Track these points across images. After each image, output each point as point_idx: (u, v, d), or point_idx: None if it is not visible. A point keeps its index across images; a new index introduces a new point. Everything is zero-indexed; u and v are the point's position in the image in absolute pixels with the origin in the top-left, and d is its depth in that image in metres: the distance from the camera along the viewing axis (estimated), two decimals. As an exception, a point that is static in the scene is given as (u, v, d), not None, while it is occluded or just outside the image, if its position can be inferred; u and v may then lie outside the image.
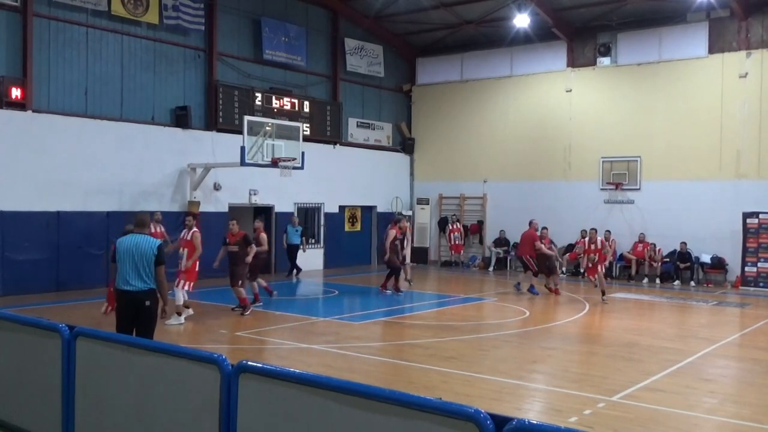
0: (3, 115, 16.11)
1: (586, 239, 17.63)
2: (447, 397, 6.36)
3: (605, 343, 11.97)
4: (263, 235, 15.51)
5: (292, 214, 21.74)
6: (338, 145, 24.34)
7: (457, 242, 24.80)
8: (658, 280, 20.95)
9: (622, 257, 21.86)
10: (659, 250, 21.32)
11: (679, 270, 20.62)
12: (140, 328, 7.83)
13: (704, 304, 16.93)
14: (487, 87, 25.26)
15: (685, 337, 12.86)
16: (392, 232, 17.02)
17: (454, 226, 24.83)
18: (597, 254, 16.99)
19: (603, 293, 16.76)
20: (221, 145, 19.98)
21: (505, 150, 24.78)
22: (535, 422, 3.50)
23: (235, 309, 14.23)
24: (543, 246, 17.45)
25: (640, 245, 21.40)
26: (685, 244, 20.54)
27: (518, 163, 24.45)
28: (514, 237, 24.27)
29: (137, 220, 8.81)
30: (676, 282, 20.53)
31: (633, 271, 21.42)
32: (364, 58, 25.21)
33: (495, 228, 24.88)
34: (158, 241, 8.12)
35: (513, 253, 24.36)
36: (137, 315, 7.88)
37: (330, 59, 24.35)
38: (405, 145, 27.00)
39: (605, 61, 22.96)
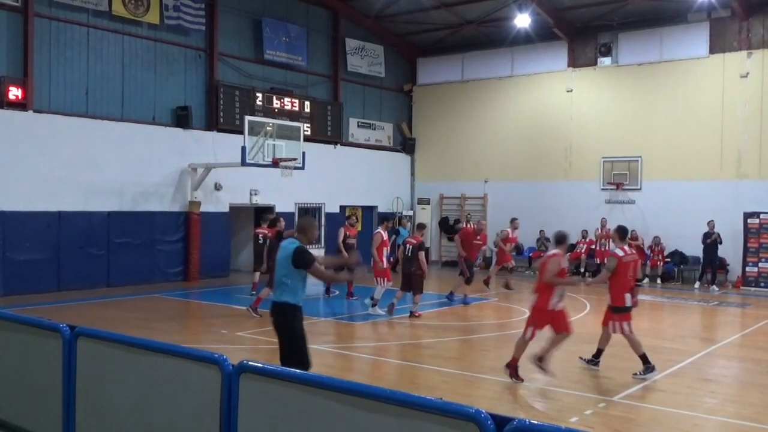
0: (4, 115, 16.12)
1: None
2: (448, 397, 6.35)
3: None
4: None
5: (403, 215, 22.21)
6: (339, 145, 24.34)
7: None
8: (659, 280, 20.93)
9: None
10: (661, 243, 21.21)
11: (713, 269, 19.84)
12: (281, 345, 7.15)
13: (705, 305, 16.92)
14: (488, 87, 25.26)
15: (685, 337, 12.85)
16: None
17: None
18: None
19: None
20: (222, 145, 19.98)
21: (505, 150, 24.78)
22: (535, 422, 3.50)
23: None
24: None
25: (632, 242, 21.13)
26: (713, 222, 19.74)
27: (519, 163, 24.45)
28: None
29: (298, 226, 7.69)
30: (696, 285, 19.98)
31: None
32: (364, 58, 25.21)
33: (496, 228, 24.83)
34: (295, 246, 7.02)
35: (514, 253, 24.34)
36: (277, 330, 7.15)
37: (331, 59, 24.35)
38: (406, 145, 27.00)
39: (606, 61, 22.96)
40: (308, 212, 23.26)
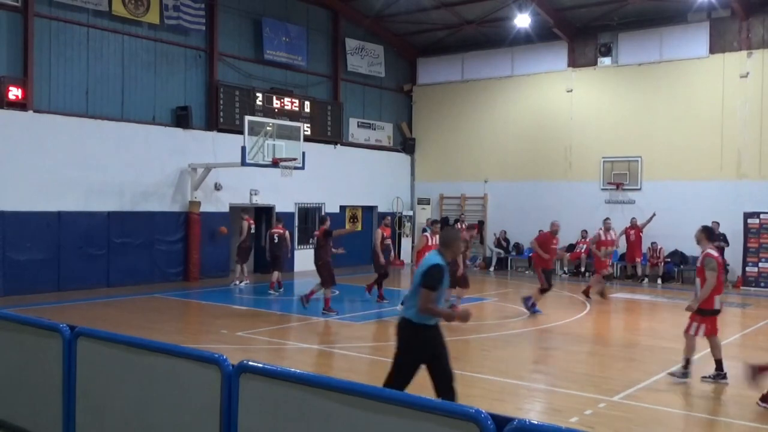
0: (3, 115, 16.12)
1: (601, 230, 17.15)
2: (448, 397, 6.35)
3: (606, 343, 11.97)
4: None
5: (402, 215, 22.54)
6: (339, 145, 24.34)
7: None
8: (659, 280, 20.91)
9: (623, 257, 21.82)
10: (660, 248, 21.25)
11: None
12: (395, 360, 6.46)
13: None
14: (488, 87, 25.25)
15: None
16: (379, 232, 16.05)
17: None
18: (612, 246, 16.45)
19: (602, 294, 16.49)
20: (222, 145, 19.99)
21: (505, 150, 24.78)
22: (536, 422, 3.50)
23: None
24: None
25: (632, 231, 21.04)
26: (717, 224, 19.35)
27: (519, 163, 24.45)
28: (515, 237, 24.28)
29: (441, 240, 6.81)
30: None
31: (638, 271, 21.26)
32: (364, 58, 25.22)
33: (496, 228, 24.88)
34: (431, 264, 6.32)
35: (513, 253, 24.38)
36: (397, 345, 6.47)
37: (331, 59, 24.35)
38: (406, 145, 27.00)
39: (606, 61, 22.95)
40: (308, 212, 23.29)
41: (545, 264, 14.95)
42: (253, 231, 19.25)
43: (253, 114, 20.23)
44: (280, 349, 11.41)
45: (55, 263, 16.78)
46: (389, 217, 18.00)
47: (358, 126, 25.41)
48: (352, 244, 24.82)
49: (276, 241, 17.37)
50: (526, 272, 23.17)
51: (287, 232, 17.71)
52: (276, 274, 17.29)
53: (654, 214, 20.57)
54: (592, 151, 22.97)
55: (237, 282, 18.41)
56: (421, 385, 8.92)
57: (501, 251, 24.45)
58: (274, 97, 21.96)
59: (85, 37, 17.79)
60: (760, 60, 20.34)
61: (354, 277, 20.97)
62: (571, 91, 23.51)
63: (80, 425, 5.72)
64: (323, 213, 21.94)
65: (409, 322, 6.27)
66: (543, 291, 14.81)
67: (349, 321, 13.85)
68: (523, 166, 24.34)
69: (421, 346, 6.27)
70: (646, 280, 21.11)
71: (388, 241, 16.39)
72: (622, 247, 21.78)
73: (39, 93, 16.86)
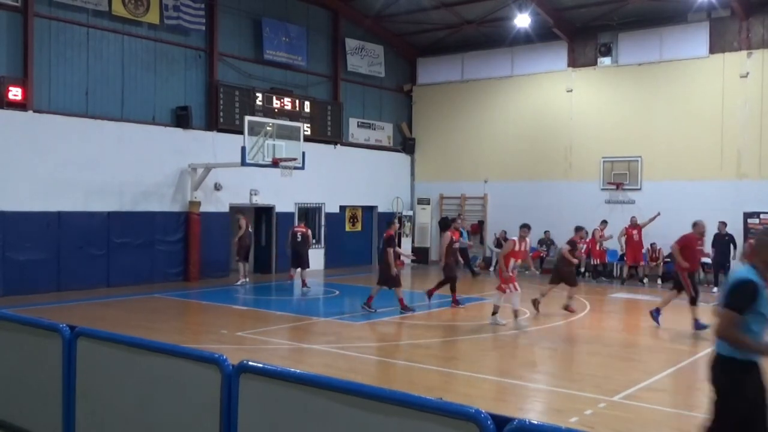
0: (3, 115, 16.12)
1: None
2: (448, 397, 6.36)
3: (606, 343, 11.96)
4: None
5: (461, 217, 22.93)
6: (339, 145, 24.34)
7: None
8: (659, 281, 20.89)
9: (623, 257, 21.82)
10: (659, 249, 21.24)
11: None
12: None
13: (705, 305, 16.87)
14: (488, 87, 25.25)
15: (685, 337, 12.84)
16: (448, 234, 15.72)
17: (461, 223, 24.63)
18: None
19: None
20: (222, 145, 19.98)
21: (505, 150, 24.78)
22: (535, 422, 3.50)
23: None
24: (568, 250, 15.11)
25: (634, 231, 20.95)
26: (724, 224, 19.04)
27: (519, 163, 24.45)
28: (514, 237, 24.23)
29: (755, 244, 5.04)
30: (715, 289, 18.61)
31: (639, 271, 21.21)
32: (364, 58, 25.22)
33: (496, 228, 24.85)
34: (738, 278, 4.85)
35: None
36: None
37: (331, 59, 24.36)
38: (406, 145, 27.00)
39: (606, 61, 22.95)
40: (308, 212, 23.26)
41: (691, 267, 13.60)
42: (250, 230, 19.28)
43: (253, 114, 20.23)
44: (280, 349, 11.41)
45: (55, 263, 16.78)
46: (459, 220, 17.85)
47: (358, 126, 25.41)
48: (353, 243, 24.93)
49: (299, 239, 17.91)
50: (526, 273, 23.11)
51: (309, 231, 18.36)
52: (305, 272, 17.98)
53: (658, 214, 20.47)
54: (592, 151, 22.96)
55: (242, 280, 18.57)
56: (422, 385, 8.94)
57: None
58: (274, 97, 21.96)
59: (85, 37, 17.79)
60: (760, 60, 20.34)
61: (354, 277, 20.99)
62: (571, 91, 23.51)
63: (80, 425, 5.71)
64: (394, 217, 21.29)
65: (718, 357, 4.87)
66: (693, 301, 13.18)
67: (349, 321, 13.85)
68: (523, 166, 24.34)
69: (741, 389, 4.74)
70: (646, 280, 21.09)
71: (457, 245, 16.23)
72: (621, 246, 21.78)
73: (39, 93, 16.86)
